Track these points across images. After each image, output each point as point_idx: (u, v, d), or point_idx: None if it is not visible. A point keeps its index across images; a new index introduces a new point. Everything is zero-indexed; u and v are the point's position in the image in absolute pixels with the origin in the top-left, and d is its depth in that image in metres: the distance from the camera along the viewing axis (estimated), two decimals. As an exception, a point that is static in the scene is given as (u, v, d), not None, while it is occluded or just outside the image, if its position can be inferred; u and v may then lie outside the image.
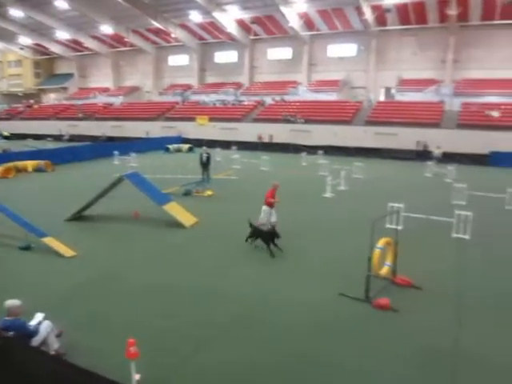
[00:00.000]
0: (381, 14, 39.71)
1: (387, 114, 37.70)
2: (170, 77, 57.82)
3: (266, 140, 39.96)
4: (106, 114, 53.11)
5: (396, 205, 13.13)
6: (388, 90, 44.56)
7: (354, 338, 7.17)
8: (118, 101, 56.60)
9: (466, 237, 12.51)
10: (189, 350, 6.78)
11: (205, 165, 21.18)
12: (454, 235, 12.70)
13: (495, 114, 33.66)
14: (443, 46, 41.15)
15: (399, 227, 11.42)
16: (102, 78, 62.81)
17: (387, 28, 42.13)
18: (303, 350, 6.81)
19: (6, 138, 48.68)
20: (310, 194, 18.98)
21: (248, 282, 9.45)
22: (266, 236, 11.21)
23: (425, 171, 25.45)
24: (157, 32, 51.89)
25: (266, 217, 12.81)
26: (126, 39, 54.17)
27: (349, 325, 7.63)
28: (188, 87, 55.11)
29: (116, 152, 30.42)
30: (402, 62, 43.32)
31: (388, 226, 12.52)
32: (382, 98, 44.02)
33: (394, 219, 12.26)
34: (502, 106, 34.54)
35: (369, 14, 39.90)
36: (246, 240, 11.66)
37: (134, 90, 59.73)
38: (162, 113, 49.46)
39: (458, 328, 7.51)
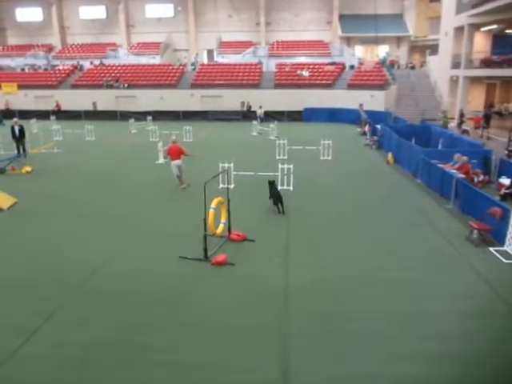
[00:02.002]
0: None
1: (211, 77, 38.30)
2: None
3: (61, 108, 36.82)
4: None
5: (226, 165, 13.61)
6: (210, 52, 45.13)
7: (195, 297, 7.38)
8: None
9: (290, 188, 13.71)
10: (14, 342, 6.15)
11: (18, 138, 18.88)
12: (279, 188, 13.77)
13: (305, 73, 36.88)
14: (256, 9, 43.11)
15: (231, 186, 11.91)
16: None
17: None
18: (146, 318, 6.77)
19: None
20: (143, 162, 18.43)
21: (83, 255, 8.87)
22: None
23: (250, 131, 26.83)
24: None
25: (177, 170, 14.10)
26: None
27: (190, 285, 7.81)
28: (-15, 49, 47.50)
29: None
30: (220, 25, 44.15)
31: (221, 185, 12.95)
32: (205, 61, 44.43)
33: (226, 179, 12.72)
34: (311, 66, 38.01)
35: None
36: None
37: None
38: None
39: (287, 271, 8.29)
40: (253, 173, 15.65)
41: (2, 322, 6.66)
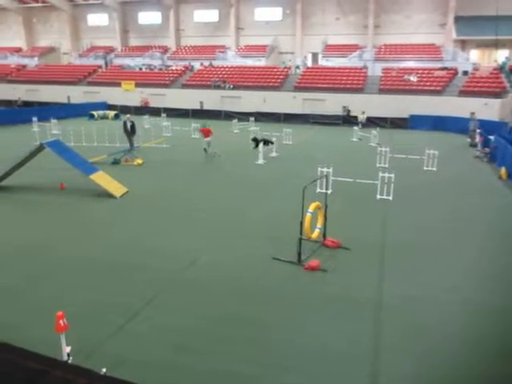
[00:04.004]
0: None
1: (314, 80, 38.30)
2: (89, 38, 54.18)
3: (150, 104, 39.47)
4: (20, 76, 49.04)
5: (325, 170, 13.58)
6: (315, 55, 45.09)
7: (286, 299, 7.49)
8: (32, 62, 52.34)
9: (390, 198, 13.30)
10: (119, 319, 6.74)
11: (129, 133, 20.46)
12: (379, 197, 13.44)
13: (413, 78, 35.35)
14: (364, 11, 42.17)
15: (328, 191, 11.87)
16: (11, 36, 57.41)
17: (311, -9, 42.33)
18: (232, 310, 7.02)
19: None
20: (243, 162, 19.04)
21: (182, 246, 9.44)
22: (261, 140, 19.89)
23: (351, 136, 26.40)
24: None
25: (207, 144, 20.35)
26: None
27: (281, 286, 7.94)
28: (110, 50, 52.12)
29: (34, 118, 28.40)
30: (326, 27, 43.88)
31: (318, 190, 12.96)
32: (309, 64, 44.52)
33: (324, 184, 12.70)
34: (419, 71, 36.33)
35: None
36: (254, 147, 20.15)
37: (50, 50, 55.39)
38: (83, 77, 46.52)
39: (381, 282, 8.08)
40: (351, 179, 15.42)
41: (110, 300, 7.34)
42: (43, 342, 5.40)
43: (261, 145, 19.09)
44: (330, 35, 43.55)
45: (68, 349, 5.46)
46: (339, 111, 35.05)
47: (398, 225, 11.31)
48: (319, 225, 9.90)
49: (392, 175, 13.27)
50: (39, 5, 52.42)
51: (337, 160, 17.88)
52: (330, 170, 13.84)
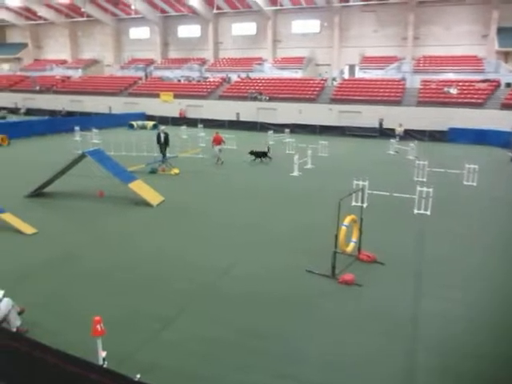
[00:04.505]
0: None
1: (351, 92, 38.09)
2: (131, 50, 55.99)
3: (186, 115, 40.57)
4: (65, 87, 51.09)
5: (361, 183, 13.43)
6: (352, 67, 44.88)
7: (320, 313, 7.40)
8: (76, 74, 54.45)
9: (427, 213, 12.98)
10: (156, 327, 6.83)
11: (162, 144, 20.14)
12: (416, 211, 13.15)
13: (453, 90, 34.60)
14: (403, 23, 41.71)
15: (364, 205, 11.72)
16: (58, 49, 60.12)
17: (349, 4, 42.20)
18: (266, 323, 6.99)
19: None
20: (278, 173, 19.07)
21: (214, 258, 9.51)
22: (260, 154, 21.52)
23: (387, 149, 26.01)
24: (115, 3, 49.88)
25: (217, 152, 21.12)
26: (82, 9, 51.80)
27: (315, 300, 7.85)
28: (150, 62, 53.60)
29: (77, 127, 29.46)
30: (364, 39, 43.68)
31: (354, 203, 12.81)
32: (346, 76, 44.32)
33: (359, 197, 12.54)
34: (460, 83, 35.52)
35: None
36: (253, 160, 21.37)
37: (93, 62, 57.55)
38: (124, 88, 48.03)
39: (417, 299, 7.86)
40: (388, 193, 15.17)
41: (144, 308, 7.44)
42: (79, 347, 5.52)
43: (296, 157, 19.05)
44: (368, 47, 43.30)
45: (104, 353, 5.58)
46: (376, 123, 34.68)
47: (436, 240, 11.01)
48: (354, 238, 9.76)
49: (430, 189, 12.97)
50: (84, 19, 54.64)
51: (373, 173, 17.63)
52: (366, 183, 13.67)
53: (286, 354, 6.24)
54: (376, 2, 41.66)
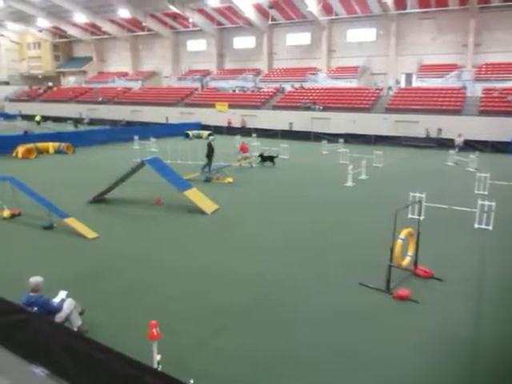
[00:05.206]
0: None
1: (407, 101, 37.12)
2: (188, 62, 57.75)
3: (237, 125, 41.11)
4: (125, 98, 53.42)
5: (418, 195, 13.02)
6: (408, 75, 43.78)
7: (373, 327, 7.21)
8: (136, 85, 56.82)
9: (489, 228, 12.37)
10: (207, 334, 6.92)
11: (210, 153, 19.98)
12: (477, 226, 12.56)
13: (518, 99, 32.92)
14: (464, 30, 40.14)
15: (421, 217, 11.34)
16: (120, 62, 63.12)
17: (406, 11, 41.23)
18: (320, 336, 6.89)
19: (38, 122, 47.56)
20: (331, 184, 18.90)
21: (269, 268, 9.53)
22: (267, 158, 23.37)
23: (446, 160, 25.08)
24: (174, 17, 51.67)
25: (242, 157, 23.42)
26: (143, 24, 54.14)
27: (368, 314, 7.67)
28: (207, 73, 54.97)
29: (136, 136, 30.67)
30: (422, 47, 42.49)
31: (410, 216, 12.45)
32: (402, 85, 43.30)
33: (416, 209, 12.17)
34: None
35: (388, -3, 39.06)
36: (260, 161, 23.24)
37: (153, 74, 59.88)
38: (181, 98, 49.52)
39: (478, 319, 7.49)
40: (446, 206, 14.60)
41: (199, 313, 7.57)
42: (134, 349, 5.69)
43: (350, 167, 18.78)
44: (426, 55, 42.10)
45: (158, 357, 5.73)
46: (433, 133, 33.57)
47: (498, 257, 10.45)
48: (410, 252, 9.46)
49: (492, 203, 12.35)
50: (145, 33, 57.01)
51: (430, 185, 17.07)
52: (423, 194, 13.23)
53: (341, 368, 6.12)
54: (435, 9, 40.49)
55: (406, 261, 9.32)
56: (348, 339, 6.86)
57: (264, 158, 23.42)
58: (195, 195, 14.28)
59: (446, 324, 7.35)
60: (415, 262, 9.33)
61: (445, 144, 31.15)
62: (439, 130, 33.52)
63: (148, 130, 36.70)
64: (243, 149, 24.12)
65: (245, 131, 38.24)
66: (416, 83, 41.38)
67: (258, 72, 51.56)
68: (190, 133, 37.64)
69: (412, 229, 9.26)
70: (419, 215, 11.20)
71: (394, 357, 6.41)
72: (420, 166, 24.39)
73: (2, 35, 67.25)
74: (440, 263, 9.66)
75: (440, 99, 35.98)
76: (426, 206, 13.49)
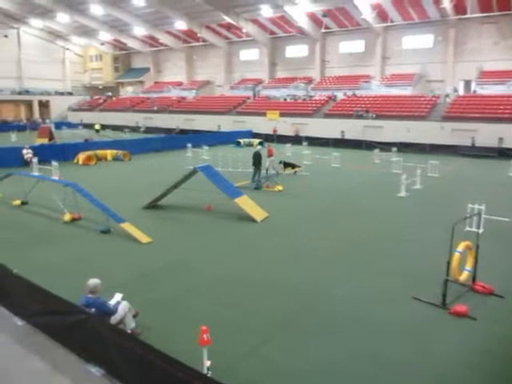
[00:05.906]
0: (459, 1, 37.48)
1: (466, 109, 35.66)
2: (240, 71, 58.59)
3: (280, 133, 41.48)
4: (180, 107, 54.91)
5: (477, 206, 12.44)
6: (467, 82, 42.10)
7: (428, 344, 6.93)
8: (190, 94, 58.28)
9: (555, 243, 11.62)
10: (255, 342, 6.91)
11: (256, 163, 19.92)
12: (541, 241, 11.83)
13: None
14: (528, 34, 38.18)
15: (480, 230, 10.82)
16: (175, 72, 65.05)
17: (466, 16, 39.66)
18: (372, 348, 6.70)
19: (97, 131, 50.24)
20: (384, 193, 18.44)
21: (319, 276, 9.41)
22: (289, 164, 23.25)
23: (508, 171, 23.84)
24: (228, 27, 52.67)
25: (270, 163, 21.45)
26: (198, 35, 55.60)
27: (422, 330, 7.39)
28: (259, 82, 55.49)
29: (189, 144, 31.42)
30: (482, 53, 40.76)
31: (468, 228, 11.91)
32: (461, 92, 41.68)
33: (474, 222, 11.63)
34: None
35: (446, 2, 37.73)
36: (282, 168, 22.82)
37: (206, 84, 61.21)
38: (233, 107, 50.25)
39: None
40: (507, 219, 13.85)
41: (246, 321, 7.59)
42: (184, 353, 5.78)
43: (404, 177, 18.25)
44: (487, 61, 40.34)
45: (208, 363, 5.79)
46: (494, 143, 32.00)
47: None
48: (469, 267, 9.03)
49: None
50: (200, 44, 58.52)
51: (490, 196, 16.27)
52: (483, 206, 12.61)
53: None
54: (498, 13, 38.77)
55: (464, 276, 8.90)
56: (400, 353, 6.63)
57: (286, 165, 23.22)
58: (246, 203, 14.39)
59: (503, 343, 6.94)
60: (473, 277, 8.89)
61: (506, 154, 29.64)
62: (500, 139, 31.95)
63: (200, 137, 37.46)
64: (270, 152, 22.72)
65: (295, 139, 38.15)
66: (475, 90, 39.71)
67: (309, 80, 51.43)
68: (241, 141, 38.06)
69: (470, 242, 8.85)
70: (478, 228, 10.69)
71: (444, 374, 6.14)
72: (479, 177, 23.33)
73: (68, 49, 71.50)
74: (500, 279, 9.16)
75: (502, 107, 34.31)
76: (486, 219, 12.86)
